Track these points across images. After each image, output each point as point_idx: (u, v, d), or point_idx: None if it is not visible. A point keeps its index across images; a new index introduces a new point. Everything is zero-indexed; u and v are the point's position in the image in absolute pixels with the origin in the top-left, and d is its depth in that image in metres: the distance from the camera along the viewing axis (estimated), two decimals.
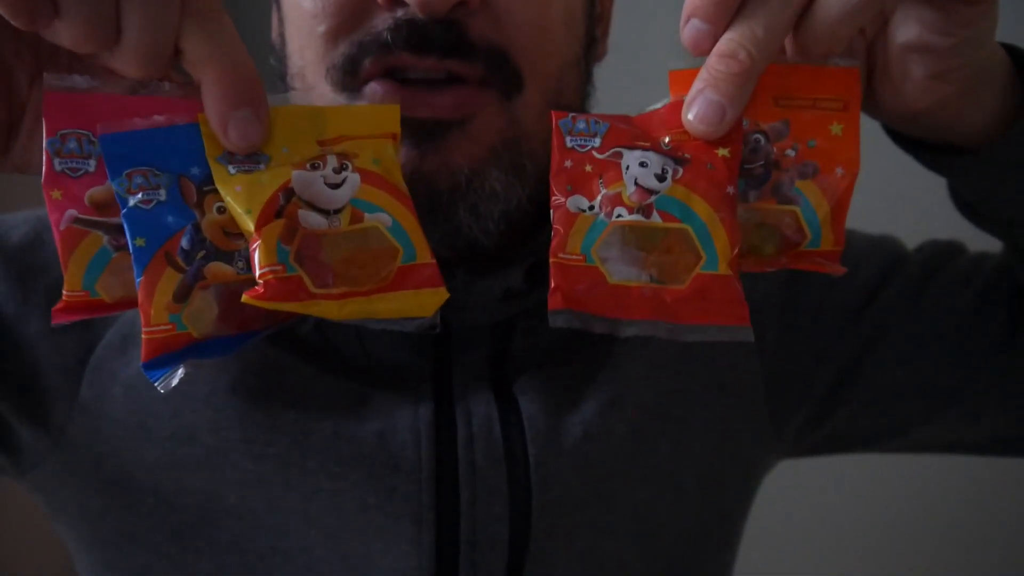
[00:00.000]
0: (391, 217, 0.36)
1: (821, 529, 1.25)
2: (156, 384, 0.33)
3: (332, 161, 0.36)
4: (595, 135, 0.37)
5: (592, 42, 0.53)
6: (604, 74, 0.57)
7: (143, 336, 0.33)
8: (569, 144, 0.36)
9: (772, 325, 0.57)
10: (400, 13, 0.44)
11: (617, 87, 0.60)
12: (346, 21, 0.45)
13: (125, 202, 0.34)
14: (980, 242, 0.58)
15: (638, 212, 0.35)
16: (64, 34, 0.32)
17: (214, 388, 0.49)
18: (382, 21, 0.45)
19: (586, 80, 0.53)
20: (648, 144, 0.36)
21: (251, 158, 0.35)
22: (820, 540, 1.26)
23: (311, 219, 0.35)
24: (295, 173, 0.35)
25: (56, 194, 0.34)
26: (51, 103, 0.34)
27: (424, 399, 0.50)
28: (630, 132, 0.37)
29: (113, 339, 0.51)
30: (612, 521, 0.52)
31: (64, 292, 0.34)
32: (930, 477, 1.12)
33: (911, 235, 0.63)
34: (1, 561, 1.02)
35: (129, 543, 0.51)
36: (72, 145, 0.34)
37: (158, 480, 0.49)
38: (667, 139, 0.37)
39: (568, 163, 0.36)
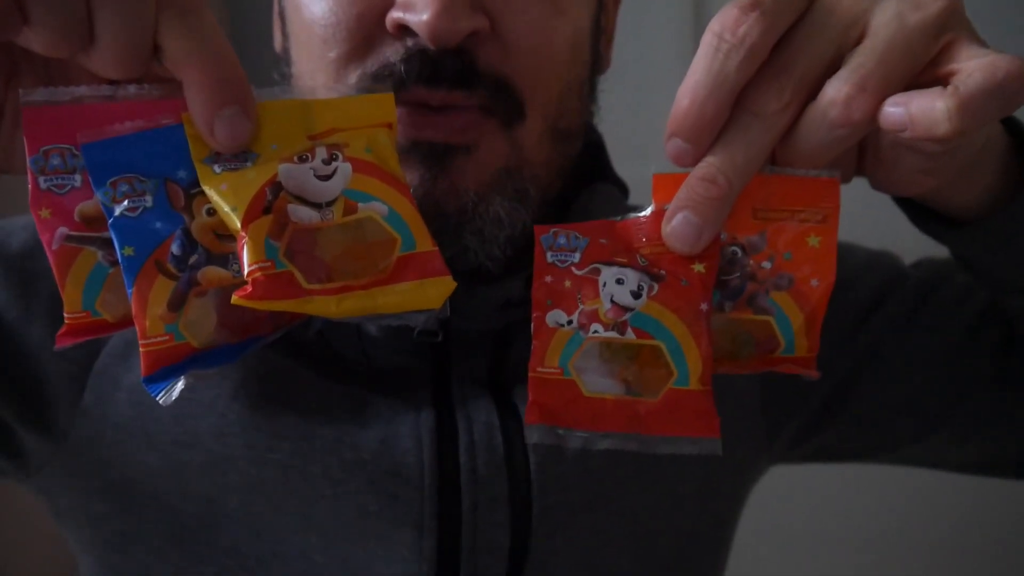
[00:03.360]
0: (387, 206, 0.34)
1: (813, 534, 1.26)
2: (157, 398, 0.32)
3: (321, 152, 0.34)
4: (575, 250, 0.38)
5: (597, 59, 0.53)
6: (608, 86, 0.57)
7: (141, 349, 0.32)
8: (550, 259, 0.38)
9: None
10: (410, 43, 0.45)
11: (622, 99, 0.61)
12: (357, 48, 0.46)
13: (111, 212, 0.32)
14: None
15: (613, 329, 0.37)
16: (35, 40, 0.31)
17: (217, 394, 0.50)
18: (393, 51, 0.45)
19: (589, 98, 0.54)
20: (625, 260, 0.38)
21: (238, 156, 0.34)
22: (812, 544, 1.27)
23: (301, 213, 0.33)
24: (282, 167, 0.34)
25: (45, 213, 0.33)
26: (30, 119, 0.32)
27: (425, 406, 0.50)
28: (609, 247, 0.38)
29: (117, 345, 0.51)
30: (610, 526, 0.54)
31: (65, 314, 0.33)
32: (924, 486, 1.12)
33: (908, 243, 0.62)
34: (3, 563, 1.00)
35: (132, 547, 0.52)
36: (56, 161, 0.32)
37: (160, 485, 0.50)
38: (646, 252, 0.38)
39: (548, 278, 0.38)
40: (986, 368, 0.56)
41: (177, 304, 0.33)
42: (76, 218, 0.33)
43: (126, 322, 0.34)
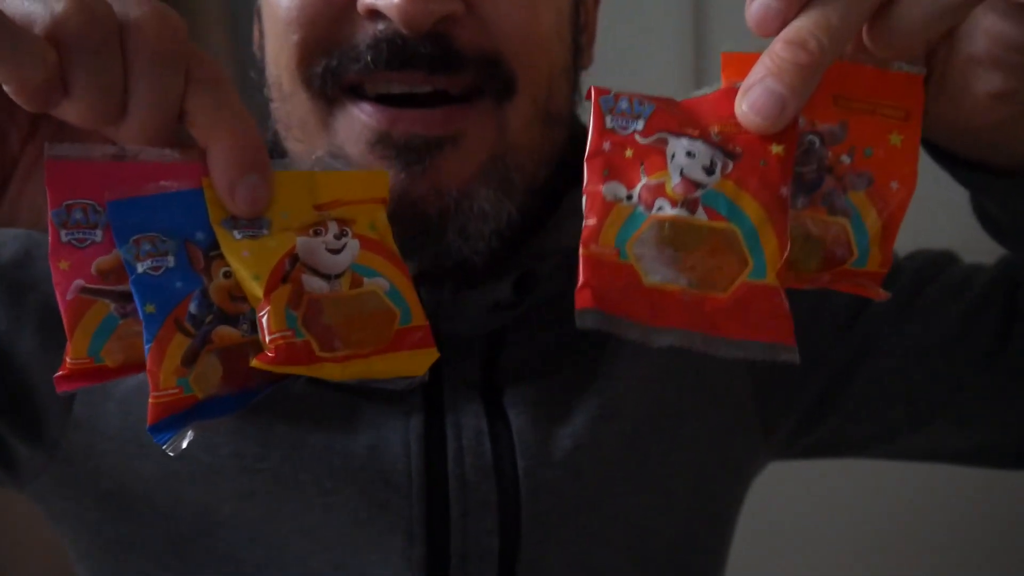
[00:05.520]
0: (388, 282, 0.37)
1: (813, 533, 1.26)
2: (164, 447, 0.33)
3: (333, 227, 0.36)
4: (639, 117, 0.32)
5: (578, 51, 0.53)
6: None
7: (150, 400, 0.33)
8: (609, 124, 0.32)
9: None
10: (382, 27, 0.43)
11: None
12: (323, 33, 0.45)
13: (133, 269, 0.34)
14: (970, 247, 0.58)
15: (682, 206, 0.32)
16: (72, 112, 0.31)
17: None
18: (363, 36, 0.44)
19: (574, 89, 0.53)
20: (697, 132, 0.32)
21: (254, 223, 0.35)
22: (812, 544, 1.26)
23: (314, 284, 0.35)
24: (300, 239, 0.36)
25: (64, 265, 0.34)
26: (54, 172, 0.33)
27: (415, 411, 0.50)
28: (677, 117, 0.33)
29: None
30: (603, 529, 0.53)
31: (68, 359, 0.34)
32: (925, 481, 1.12)
33: (907, 238, 0.62)
34: (3, 565, 1.02)
35: (127, 553, 0.52)
36: (78, 216, 0.34)
37: (154, 493, 0.50)
38: (716, 129, 0.33)
39: (607, 145, 0.32)
40: (982, 356, 0.55)
41: (190, 360, 0.34)
42: (92, 271, 0.34)
43: (125, 369, 0.35)
